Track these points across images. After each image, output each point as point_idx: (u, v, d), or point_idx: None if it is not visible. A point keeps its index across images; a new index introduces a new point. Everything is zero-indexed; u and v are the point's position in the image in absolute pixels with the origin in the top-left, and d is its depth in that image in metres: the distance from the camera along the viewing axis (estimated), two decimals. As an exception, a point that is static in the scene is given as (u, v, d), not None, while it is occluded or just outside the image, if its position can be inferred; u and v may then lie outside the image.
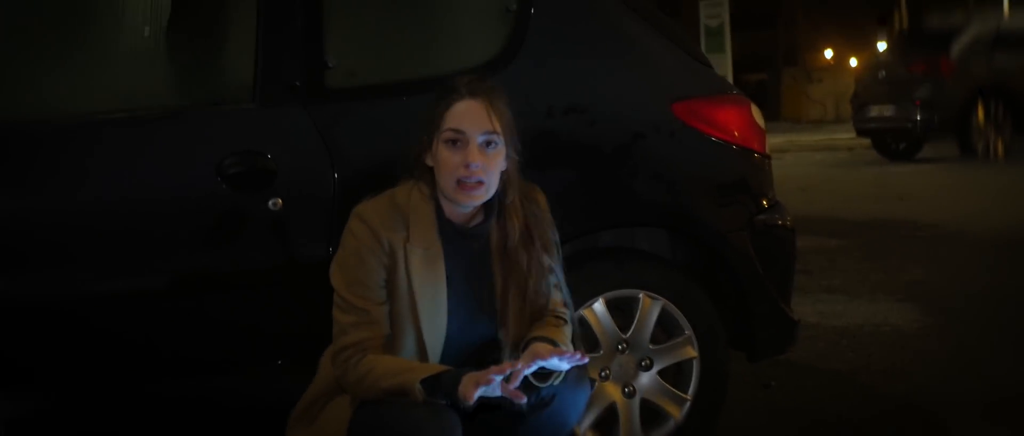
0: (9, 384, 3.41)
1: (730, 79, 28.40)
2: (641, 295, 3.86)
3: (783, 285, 4.15)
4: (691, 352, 3.94)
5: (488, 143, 3.05)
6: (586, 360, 2.93)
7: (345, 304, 3.06)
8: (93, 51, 3.69)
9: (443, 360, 3.07)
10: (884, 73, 18.27)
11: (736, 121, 4.07)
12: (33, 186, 3.42)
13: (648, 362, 3.90)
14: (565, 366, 2.92)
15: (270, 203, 3.49)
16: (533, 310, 3.17)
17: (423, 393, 2.89)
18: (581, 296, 3.78)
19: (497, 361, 3.09)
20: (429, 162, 3.10)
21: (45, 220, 3.40)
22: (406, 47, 3.89)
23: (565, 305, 3.23)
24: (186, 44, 3.75)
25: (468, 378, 2.84)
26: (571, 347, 3.13)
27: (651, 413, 3.96)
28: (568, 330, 3.20)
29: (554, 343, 3.06)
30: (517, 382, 2.82)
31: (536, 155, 3.65)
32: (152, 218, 3.47)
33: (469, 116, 3.04)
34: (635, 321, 3.87)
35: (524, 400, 2.83)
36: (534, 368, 2.87)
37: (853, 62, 27.10)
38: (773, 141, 19.95)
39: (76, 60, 3.66)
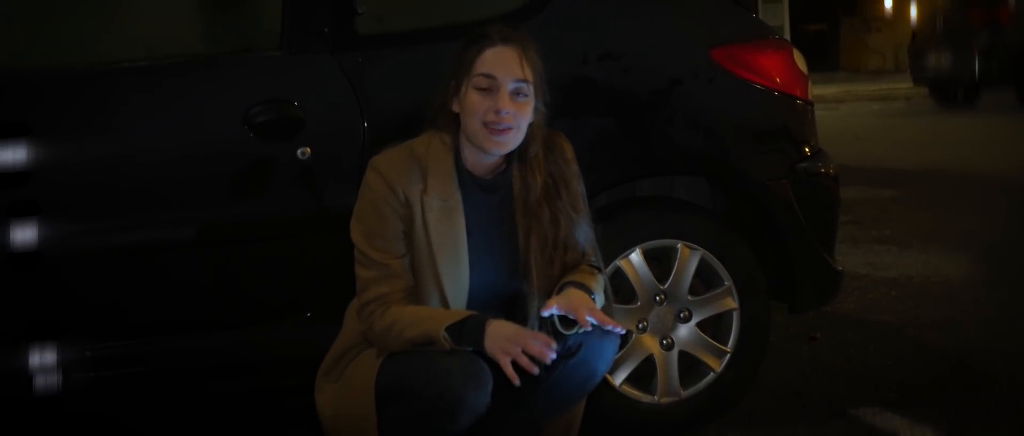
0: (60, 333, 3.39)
1: (787, 29, 28.08)
2: (679, 245, 3.78)
3: (825, 234, 4.04)
4: (731, 303, 3.85)
5: (518, 92, 2.97)
6: (623, 331, 2.92)
7: (365, 259, 3.00)
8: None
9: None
10: (942, 21, 17.98)
11: (777, 66, 3.96)
12: (57, 135, 3.37)
13: (687, 314, 3.82)
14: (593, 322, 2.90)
15: (298, 152, 3.43)
16: (564, 264, 3.10)
17: (449, 341, 2.84)
18: (617, 247, 3.71)
19: (525, 315, 3.04)
20: (455, 108, 3.02)
21: (70, 170, 3.36)
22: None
23: (596, 257, 3.16)
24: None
25: (495, 341, 2.81)
26: (603, 296, 3.09)
27: (689, 365, 3.88)
28: (602, 279, 3.13)
29: (589, 290, 3.01)
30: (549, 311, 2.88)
31: (571, 103, 3.60)
32: (177, 169, 3.42)
33: (501, 62, 2.97)
34: (673, 272, 3.79)
35: (552, 356, 2.81)
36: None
37: (913, 11, 26.69)
38: (830, 91, 19.77)
39: (100, 6, 3.61)
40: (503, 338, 2.82)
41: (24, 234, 3.27)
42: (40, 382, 3.33)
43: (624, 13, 3.83)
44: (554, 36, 3.65)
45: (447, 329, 2.85)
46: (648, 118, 3.77)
